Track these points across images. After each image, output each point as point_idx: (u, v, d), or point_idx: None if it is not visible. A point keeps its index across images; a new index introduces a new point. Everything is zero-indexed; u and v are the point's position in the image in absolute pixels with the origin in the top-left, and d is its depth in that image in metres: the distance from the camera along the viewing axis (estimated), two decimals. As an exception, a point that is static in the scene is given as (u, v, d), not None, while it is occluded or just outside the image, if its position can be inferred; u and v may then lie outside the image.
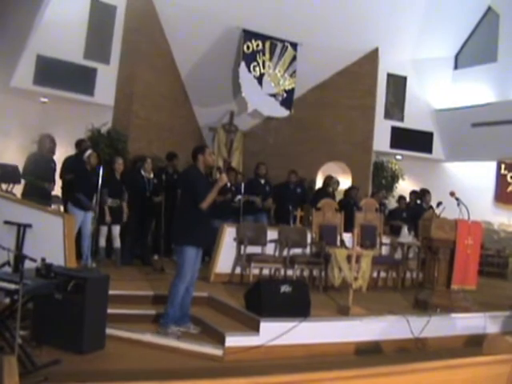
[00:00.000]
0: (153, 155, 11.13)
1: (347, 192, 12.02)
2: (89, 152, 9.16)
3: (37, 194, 8.62)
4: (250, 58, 13.49)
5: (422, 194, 11.88)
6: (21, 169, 9.62)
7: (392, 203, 14.33)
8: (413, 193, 12.69)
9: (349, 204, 11.13)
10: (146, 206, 9.82)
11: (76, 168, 9.16)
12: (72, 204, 8.78)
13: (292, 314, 6.44)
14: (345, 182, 13.70)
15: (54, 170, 9.30)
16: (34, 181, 8.77)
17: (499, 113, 13.93)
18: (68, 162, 9.69)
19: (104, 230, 9.43)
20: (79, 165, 9.12)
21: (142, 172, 9.99)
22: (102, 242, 9.44)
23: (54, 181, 9.19)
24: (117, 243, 9.50)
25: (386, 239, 10.54)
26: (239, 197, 10.50)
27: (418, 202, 12.00)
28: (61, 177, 9.41)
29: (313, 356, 6.24)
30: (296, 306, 6.60)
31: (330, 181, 11.88)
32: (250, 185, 11.06)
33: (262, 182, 11.13)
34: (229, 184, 10.50)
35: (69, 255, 6.93)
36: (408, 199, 12.66)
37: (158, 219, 9.97)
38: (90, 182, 8.85)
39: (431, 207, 11.41)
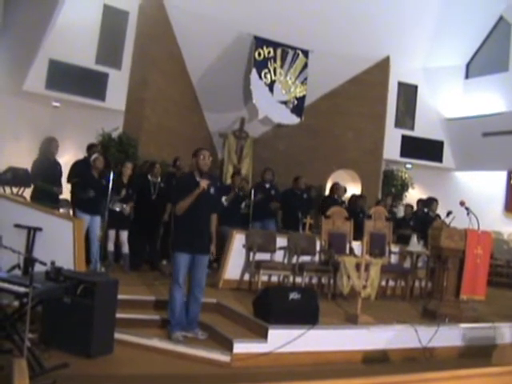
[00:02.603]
0: (163, 160, 11.14)
1: (354, 200, 11.99)
2: (94, 156, 9.15)
3: (45, 198, 8.68)
4: (262, 65, 13.52)
5: (429, 203, 11.82)
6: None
7: (402, 212, 14.30)
8: (420, 201, 12.62)
9: (354, 212, 11.09)
10: (153, 210, 9.82)
11: (82, 172, 9.18)
12: (78, 208, 8.80)
13: (300, 322, 6.43)
14: (354, 190, 13.68)
15: (61, 172, 9.35)
16: (43, 185, 8.82)
17: (510, 122, 13.89)
18: (76, 166, 9.73)
19: (112, 234, 9.43)
20: (86, 168, 9.14)
21: (149, 177, 10.00)
22: (111, 247, 9.44)
23: (61, 184, 9.25)
24: (125, 249, 9.51)
25: (394, 248, 10.51)
26: (244, 203, 10.51)
27: (425, 210, 11.93)
28: (68, 181, 9.44)
29: (320, 364, 6.22)
30: (304, 314, 6.59)
31: (335, 188, 11.90)
32: (255, 189, 11.07)
33: (267, 186, 11.14)
34: (236, 190, 10.59)
35: (78, 259, 6.97)
36: (415, 208, 12.60)
37: (167, 224, 9.97)
38: (96, 186, 8.84)
39: (438, 216, 11.38)
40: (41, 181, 8.86)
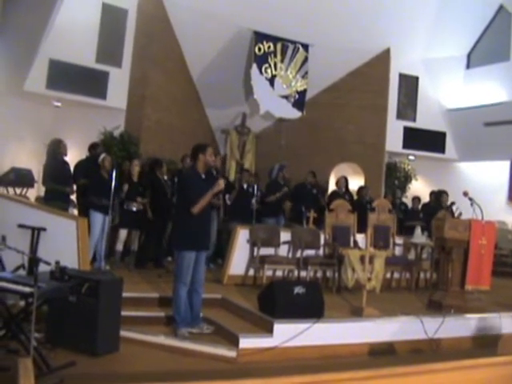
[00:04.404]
0: (164, 158, 11.13)
1: (358, 192, 11.97)
2: (103, 156, 9.19)
3: (58, 199, 8.72)
4: (262, 60, 13.49)
5: (439, 195, 11.83)
6: (34, 173, 9.67)
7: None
8: (432, 193, 12.64)
9: (361, 204, 11.09)
10: (167, 208, 9.81)
11: (90, 172, 9.20)
12: (93, 208, 8.80)
13: (305, 316, 6.43)
14: (357, 182, 13.66)
15: (70, 172, 9.39)
16: (56, 186, 8.85)
17: (512, 112, 13.87)
18: (80, 166, 9.74)
19: (123, 233, 9.45)
20: (93, 169, 9.15)
21: (159, 175, 10.01)
22: (119, 246, 9.47)
23: (71, 183, 9.29)
24: (134, 246, 9.54)
25: (399, 240, 10.51)
26: (253, 200, 10.54)
27: (438, 202, 11.93)
28: (74, 181, 9.46)
29: (326, 357, 6.23)
30: (309, 308, 6.59)
31: (337, 181, 11.89)
32: (269, 187, 11.12)
33: (282, 183, 11.20)
34: (245, 186, 10.62)
35: (82, 258, 6.97)
36: (428, 200, 12.61)
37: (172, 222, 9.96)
38: (105, 186, 8.87)
39: (449, 207, 11.37)
40: (52, 182, 8.90)
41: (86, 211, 8.94)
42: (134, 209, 9.40)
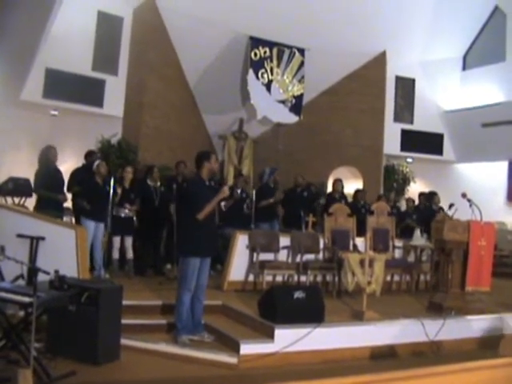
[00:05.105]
0: (163, 164, 11.12)
1: (354, 195, 11.95)
2: (97, 162, 9.12)
3: (50, 207, 8.66)
4: (258, 65, 13.50)
5: (431, 196, 11.83)
6: (32, 182, 9.64)
7: (404, 206, 14.28)
8: (421, 195, 12.62)
9: (357, 207, 11.07)
10: (156, 215, 9.80)
11: (84, 179, 9.14)
12: (83, 215, 8.76)
13: (306, 320, 6.42)
14: (356, 186, 13.64)
15: (63, 180, 9.33)
16: (48, 194, 8.80)
17: (509, 112, 13.89)
18: (76, 174, 9.71)
19: (117, 241, 9.42)
20: (87, 176, 9.10)
21: (148, 181, 9.97)
22: (115, 254, 9.43)
23: (64, 191, 9.24)
24: (129, 254, 9.50)
25: (398, 242, 10.50)
26: (246, 204, 10.54)
27: (428, 203, 11.93)
28: (68, 189, 9.41)
29: (328, 362, 6.22)
30: (310, 312, 6.58)
31: (335, 184, 11.86)
32: (261, 191, 11.09)
33: (272, 186, 11.19)
34: (239, 191, 10.60)
35: (82, 267, 6.96)
36: (417, 201, 12.59)
37: (170, 228, 9.93)
38: (99, 193, 8.83)
39: (441, 208, 11.36)
40: (44, 189, 8.84)
41: (78, 218, 8.93)
42: (123, 215, 9.38)
